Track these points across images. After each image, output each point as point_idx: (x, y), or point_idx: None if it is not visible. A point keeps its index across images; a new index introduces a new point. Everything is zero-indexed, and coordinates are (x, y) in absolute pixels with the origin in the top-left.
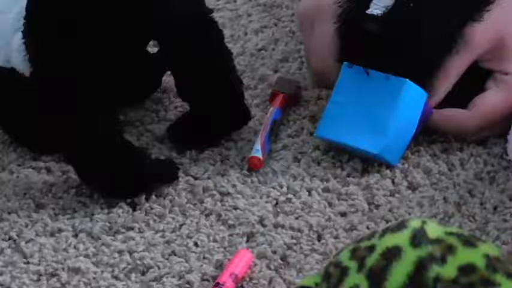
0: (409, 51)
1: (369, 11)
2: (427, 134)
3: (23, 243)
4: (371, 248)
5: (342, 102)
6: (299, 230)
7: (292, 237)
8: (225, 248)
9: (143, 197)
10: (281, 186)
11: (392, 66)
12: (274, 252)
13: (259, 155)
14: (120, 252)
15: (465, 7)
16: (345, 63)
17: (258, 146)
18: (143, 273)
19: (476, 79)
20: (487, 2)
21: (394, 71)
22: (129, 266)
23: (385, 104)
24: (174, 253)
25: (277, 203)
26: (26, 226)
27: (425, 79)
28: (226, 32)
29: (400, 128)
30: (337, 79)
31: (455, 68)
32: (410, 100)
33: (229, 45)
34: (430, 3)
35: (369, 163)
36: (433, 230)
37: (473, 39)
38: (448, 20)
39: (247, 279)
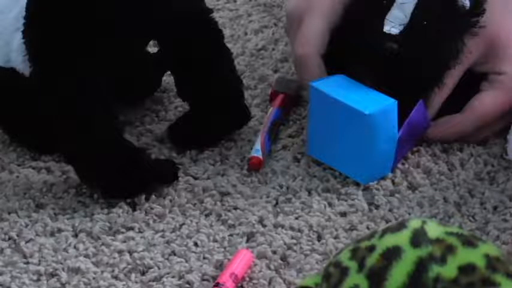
0: (420, 69)
1: (386, 30)
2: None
3: (22, 243)
4: (371, 248)
5: (317, 126)
6: (299, 230)
7: (292, 237)
8: (225, 248)
9: (143, 197)
10: (281, 186)
11: (394, 83)
12: (274, 252)
13: (259, 155)
14: (120, 252)
15: (463, 21)
16: (311, 84)
17: (257, 146)
18: (143, 273)
19: (468, 85)
20: (480, 13)
21: (394, 87)
22: (129, 266)
23: (359, 136)
24: (174, 253)
25: (277, 203)
26: (26, 226)
27: (424, 94)
28: (226, 32)
29: (382, 151)
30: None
31: (451, 79)
32: (382, 125)
33: (229, 45)
34: (439, 20)
35: None
36: (433, 230)
37: (466, 49)
38: (454, 37)
39: (247, 279)
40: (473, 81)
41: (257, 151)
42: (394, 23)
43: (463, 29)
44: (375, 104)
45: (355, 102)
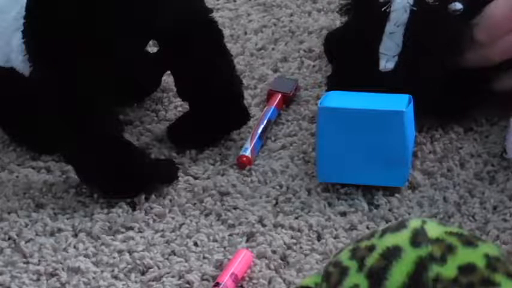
0: (420, 86)
1: (381, 68)
2: (428, 133)
3: (22, 243)
4: (371, 248)
5: (330, 144)
6: (299, 230)
7: (292, 237)
8: (224, 247)
9: (143, 197)
10: (281, 186)
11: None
12: (274, 252)
13: (248, 153)
14: (120, 252)
15: (458, 26)
16: (320, 106)
17: (247, 144)
18: (143, 273)
19: (466, 84)
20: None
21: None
22: (129, 266)
23: (390, 139)
24: (174, 253)
25: (276, 203)
26: (26, 226)
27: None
28: (226, 32)
29: (411, 146)
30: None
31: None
32: (410, 120)
33: (229, 45)
34: (430, 41)
35: None
36: (433, 229)
37: None
38: (450, 45)
39: (247, 279)
40: (469, 83)
41: (246, 149)
42: (387, 55)
43: (459, 34)
44: (396, 102)
45: (379, 106)
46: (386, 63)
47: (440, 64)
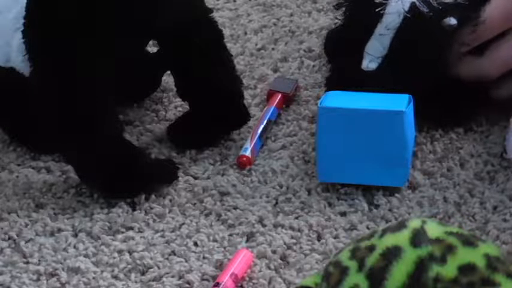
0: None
1: (364, 66)
2: (428, 133)
3: (22, 243)
4: (371, 248)
5: (330, 144)
6: (299, 230)
7: (292, 237)
8: (224, 247)
9: (143, 197)
10: (281, 186)
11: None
12: (274, 252)
13: (248, 153)
14: (120, 252)
15: (449, 41)
16: (320, 106)
17: (247, 144)
18: (143, 273)
19: (463, 87)
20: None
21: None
22: (129, 266)
23: (390, 139)
24: (173, 253)
25: (276, 203)
26: (26, 226)
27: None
28: (226, 32)
29: (411, 146)
30: None
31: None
32: (410, 119)
33: (229, 45)
34: (417, 50)
35: None
36: (433, 229)
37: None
38: (435, 60)
39: (247, 279)
40: (465, 89)
41: (246, 149)
42: (372, 56)
43: (448, 49)
44: (396, 101)
45: (379, 106)
46: (369, 63)
47: (423, 74)
